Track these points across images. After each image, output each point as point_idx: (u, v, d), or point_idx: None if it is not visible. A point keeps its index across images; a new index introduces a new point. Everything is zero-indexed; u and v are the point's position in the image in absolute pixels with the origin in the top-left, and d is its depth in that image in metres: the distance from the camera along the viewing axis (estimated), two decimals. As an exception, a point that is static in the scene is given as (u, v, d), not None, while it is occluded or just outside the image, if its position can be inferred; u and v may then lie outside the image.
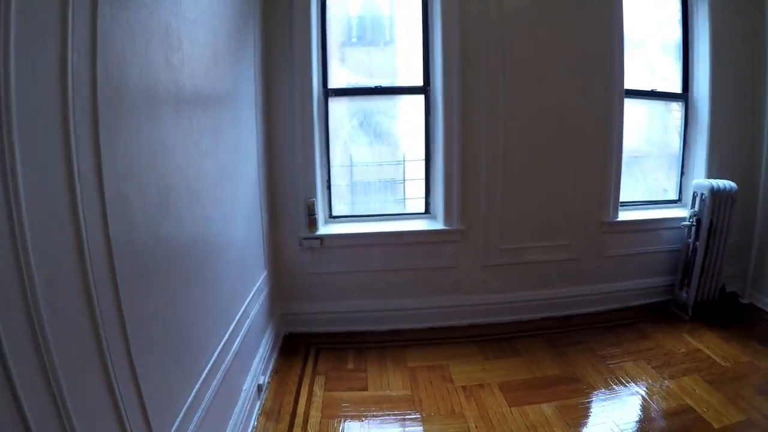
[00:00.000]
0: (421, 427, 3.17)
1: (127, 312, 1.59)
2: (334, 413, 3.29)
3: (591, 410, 3.35)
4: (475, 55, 4.20)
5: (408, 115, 4.58)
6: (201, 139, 2.38)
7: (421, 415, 3.28)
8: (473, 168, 4.34)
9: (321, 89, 4.29)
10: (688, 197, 4.85)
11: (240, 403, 2.91)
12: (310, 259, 4.29)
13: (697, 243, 4.57)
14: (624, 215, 4.76)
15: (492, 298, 4.57)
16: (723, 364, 3.82)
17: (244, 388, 3.04)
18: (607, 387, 3.56)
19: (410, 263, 4.41)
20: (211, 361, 2.41)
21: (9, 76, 1.11)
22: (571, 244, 4.64)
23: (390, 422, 3.22)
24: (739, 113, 4.83)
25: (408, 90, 4.54)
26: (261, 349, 3.54)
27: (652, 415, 3.27)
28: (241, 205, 3.19)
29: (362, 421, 3.23)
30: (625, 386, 3.57)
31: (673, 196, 5.13)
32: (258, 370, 3.36)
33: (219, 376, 2.49)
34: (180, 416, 1.98)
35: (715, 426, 3.10)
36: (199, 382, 2.22)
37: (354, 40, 4.59)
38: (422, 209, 4.65)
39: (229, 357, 2.69)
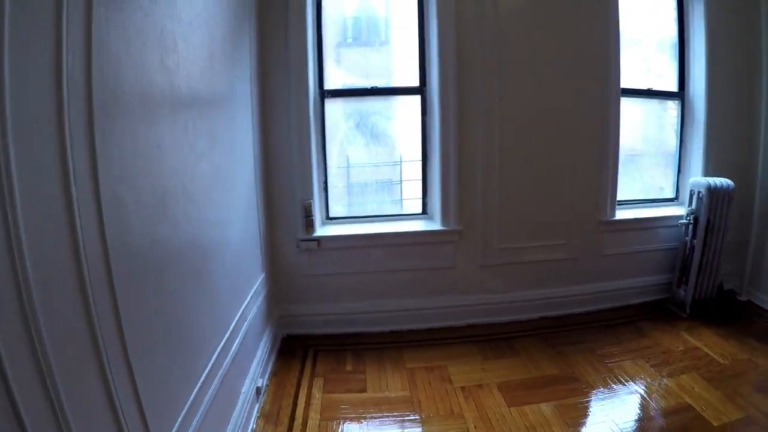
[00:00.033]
0: (420, 428, 3.17)
1: (124, 315, 1.58)
2: (333, 415, 3.29)
3: (590, 409, 3.34)
4: (471, 56, 4.20)
5: (404, 116, 4.58)
6: (197, 141, 2.37)
7: (420, 416, 3.27)
8: (470, 168, 4.33)
9: (317, 90, 4.29)
10: (685, 195, 4.86)
11: (239, 406, 2.90)
12: (308, 261, 4.29)
13: (695, 241, 4.58)
14: (621, 214, 4.76)
15: (490, 298, 4.56)
16: (721, 361, 3.83)
17: (243, 390, 3.03)
18: (606, 386, 3.56)
19: (408, 264, 4.40)
20: (210, 364, 2.40)
21: (3, 78, 1.10)
22: (569, 243, 4.64)
23: (389, 424, 3.21)
24: (735, 111, 4.83)
25: (404, 91, 4.53)
26: (259, 352, 3.53)
27: (651, 413, 3.27)
28: (238, 207, 3.19)
29: (361, 423, 3.22)
30: (624, 385, 3.57)
31: (670, 195, 5.14)
32: (256, 373, 3.35)
33: (217, 379, 2.48)
34: (179, 420, 1.97)
35: (714, 424, 3.10)
36: (198, 385, 2.21)
37: (350, 40, 4.59)
38: (419, 210, 4.64)
39: (227, 360, 2.68)
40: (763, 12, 4.58)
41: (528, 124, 4.38)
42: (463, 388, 3.56)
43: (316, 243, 4.23)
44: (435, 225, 4.45)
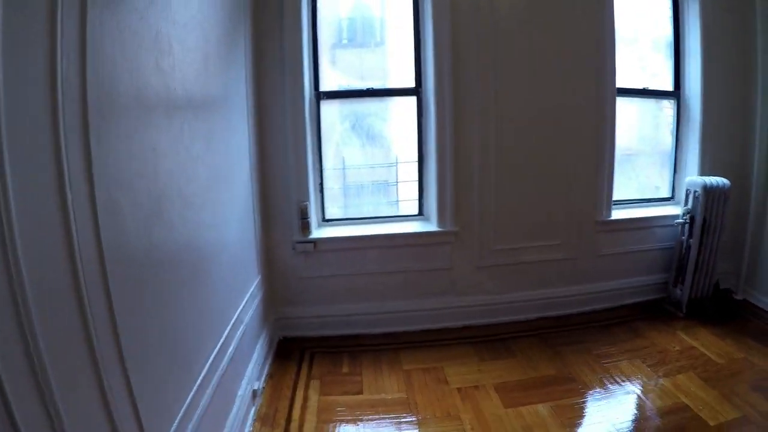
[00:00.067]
0: (417, 430, 3.16)
1: (119, 318, 1.57)
2: (329, 418, 3.28)
3: (587, 410, 3.35)
4: (466, 56, 4.20)
5: (400, 117, 4.57)
6: (192, 143, 2.36)
7: (417, 417, 3.27)
8: (466, 169, 4.33)
9: (312, 92, 4.28)
10: (680, 195, 4.86)
11: (235, 409, 2.89)
12: (304, 263, 4.28)
13: (691, 240, 4.58)
14: (617, 214, 4.77)
15: (486, 299, 4.56)
16: (717, 361, 3.83)
17: (239, 393, 3.03)
18: (603, 386, 3.57)
19: (404, 265, 4.40)
20: (206, 367, 2.40)
21: (-3, 81, 1.10)
22: (565, 243, 4.64)
23: (386, 426, 3.20)
24: (731, 110, 4.84)
25: (400, 92, 4.53)
26: (255, 354, 3.52)
27: (648, 413, 3.27)
28: (234, 209, 3.18)
29: (358, 425, 3.22)
30: (621, 385, 3.58)
31: (666, 194, 5.14)
32: (253, 376, 3.34)
33: (214, 382, 2.48)
34: (174, 424, 1.97)
35: (711, 423, 3.10)
36: (194, 388, 2.21)
37: (345, 41, 4.58)
38: (416, 211, 4.64)
39: (223, 363, 2.67)
40: (758, 11, 4.58)
41: (524, 124, 4.38)
42: (459, 390, 3.56)
43: (312, 245, 4.23)
44: (431, 226, 4.45)
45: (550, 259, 4.64)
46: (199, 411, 2.22)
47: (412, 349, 4.16)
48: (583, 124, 4.48)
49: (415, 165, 4.55)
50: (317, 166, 4.38)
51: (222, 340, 2.70)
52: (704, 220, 4.48)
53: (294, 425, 3.20)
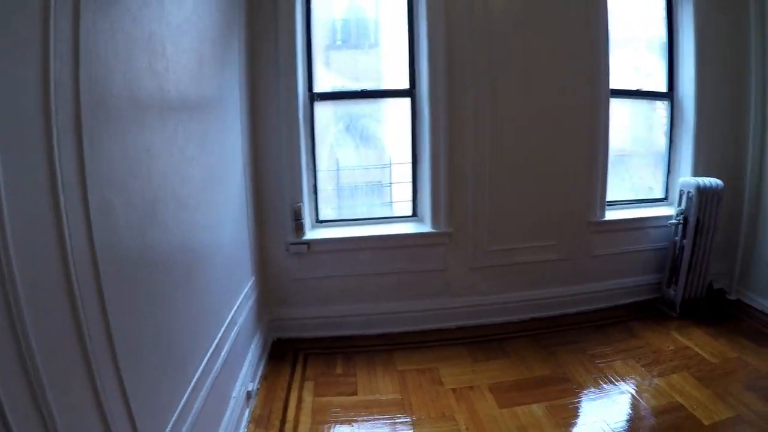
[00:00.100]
0: (412, 431, 3.16)
1: (113, 320, 1.57)
2: (323, 419, 3.28)
3: (581, 410, 3.35)
4: (460, 57, 4.20)
5: (394, 118, 4.57)
6: (186, 145, 2.36)
7: (412, 418, 3.27)
8: (460, 170, 4.34)
9: (306, 93, 4.28)
10: (674, 195, 4.88)
11: (229, 410, 2.88)
12: (298, 264, 4.28)
13: (684, 241, 4.59)
14: (611, 214, 4.78)
15: (481, 299, 4.56)
16: (711, 360, 3.84)
17: (233, 395, 3.02)
18: (597, 386, 3.57)
19: (398, 267, 4.40)
20: (200, 369, 2.39)
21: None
22: (559, 244, 4.65)
23: (380, 427, 3.20)
24: (724, 111, 4.86)
25: (394, 93, 4.53)
26: (249, 356, 3.52)
27: (642, 413, 3.28)
28: (228, 211, 3.17)
29: (352, 426, 3.22)
30: (615, 385, 3.58)
31: (660, 195, 5.16)
32: (247, 377, 3.33)
33: (208, 383, 2.47)
34: (169, 426, 1.96)
35: (705, 423, 3.11)
36: (188, 390, 2.20)
37: (339, 43, 4.58)
38: (410, 212, 4.64)
39: (217, 364, 2.67)
40: (752, 11, 4.60)
41: (518, 125, 4.39)
42: (454, 390, 3.56)
43: (306, 246, 4.22)
44: (425, 227, 4.45)
45: (544, 259, 4.64)
46: (193, 413, 2.21)
47: (406, 350, 4.16)
48: (578, 125, 4.49)
49: (409, 166, 4.54)
50: (311, 167, 4.37)
51: (216, 342, 2.69)
52: (698, 220, 4.49)
53: (288, 426, 3.20)
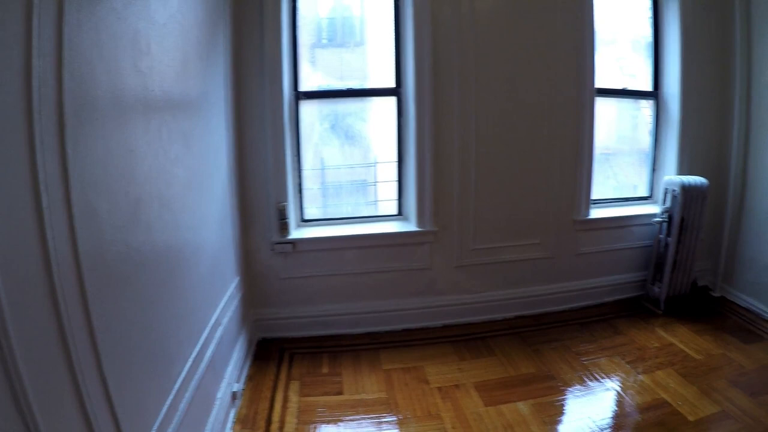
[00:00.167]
0: (398, 430, 3.15)
1: (96, 323, 1.55)
2: (309, 419, 3.26)
3: (567, 407, 3.36)
4: (447, 55, 4.20)
5: (379, 117, 4.56)
6: (171, 145, 2.34)
7: (398, 417, 3.26)
8: (446, 169, 4.33)
9: (292, 92, 4.26)
10: (659, 194, 4.90)
11: (214, 411, 2.87)
12: (283, 264, 4.26)
13: (669, 239, 4.61)
14: (596, 213, 4.80)
15: (466, 298, 4.57)
16: (696, 357, 3.86)
17: (219, 396, 3.00)
18: (582, 383, 3.58)
19: (383, 265, 4.38)
20: (185, 371, 2.37)
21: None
22: (544, 242, 4.66)
23: (366, 426, 3.19)
24: (709, 110, 4.90)
25: (379, 92, 4.52)
26: (234, 356, 3.50)
27: (628, 409, 3.29)
28: (212, 211, 3.15)
29: (338, 425, 3.21)
30: (600, 382, 3.60)
31: (644, 193, 5.18)
32: (232, 378, 3.31)
33: (193, 385, 2.45)
34: (154, 428, 1.94)
35: (690, 419, 3.13)
36: (173, 392, 2.19)
37: (325, 41, 4.56)
38: (395, 211, 4.63)
39: (202, 366, 2.65)
40: (737, 11, 4.63)
41: (504, 124, 4.39)
42: (440, 389, 3.56)
43: (290, 246, 4.20)
44: (410, 226, 4.44)
45: (529, 258, 4.65)
46: (178, 414, 2.20)
47: (392, 348, 4.15)
48: (563, 124, 4.49)
49: (395, 165, 4.53)
50: (296, 166, 4.35)
51: (201, 342, 2.68)
52: (682, 218, 4.51)
53: (274, 427, 3.18)
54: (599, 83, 4.60)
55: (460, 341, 4.24)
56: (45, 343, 1.33)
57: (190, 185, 2.65)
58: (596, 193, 4.86)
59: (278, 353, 4.09)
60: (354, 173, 4.60)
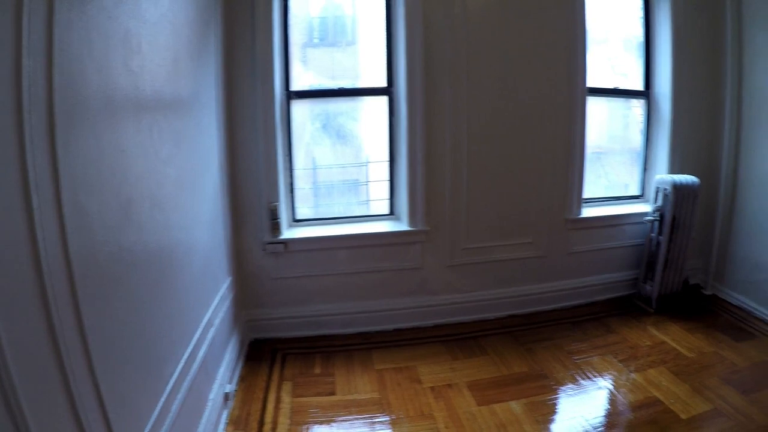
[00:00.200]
0: (391, 430, 3.15)
1: (88, 325, 1.54)
2: (302, 419, 3.25)
3: (560, 406, 3.36)
4: (438, 55, 4.19)
5: (371, 117, 4.55)
6: (162, 145, 2.32)
7: (390, 417, 3.26)
8: (437, 168, 4.33)
9: (283, 91, 4.24)
10: (650, 193, 4.92)
11: (207, 413, 2.85)
12: (275, 264, 4.24)
13: (661, 237, 4.62)
14: (588, 212, 4.81)
15: (458, 297, 4.56)
16: (688, 355, 3.87)
17: (211, 397, 2.99)
18: (575, 382, 3.59)
19: (375, 265, 4.38)
20: (177, 372, 2.36)
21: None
22: (536, 241, 4.66)
23: (359, 426, 3.19)
24: (700, 109, 4.92)
25: (371, 91, 4.50)
26: (227, 357, 3.48)
27: (620, 408, 3.30)
28: (204, 211, 3.13)
29: (331, 425, 3.20)
30: (593, 381, 3.60)
31: (636, 192, 5.19)
32: (224, 379, 3.30)
33: (185, 386, 2.44)
34: (146, 430, 1.93)
35: (683, 417, 3.14)
36: (165, 394, 2.17)
37: (316, 40, 4.55)
38: (387, 211, 4.62)
39: (194, 367, 2.63)
40: (728, 11, 4.65)
41: (496, 123, 4.39)
42: (432, 388, 3.55)
43: (282, 246, 4.19)
44: (402, 226, 4.43)
45: (521, 257, 4.66)
46: (170, 416, 2.18)
47: (384, 348, 4.14)
48: (555, 123, 4.50)
49: (386, 164, 4.53)
50: (288, 166, 4.34)
51: (193, 344, 2.66)
52: (674, 217, 4.52)
53: (267, 428, 3.17)
54: (591, 82, 4.61)
55: (453, 341, 4.23)
56: (35, 345, 1.32)
57: (182, 185, 2.64)
58: (588, 192, 4.87)
59: (270, 354, 4.08)
60: (345, 173, 4.59)
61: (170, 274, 2.40)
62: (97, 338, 1.58)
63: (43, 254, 1.34)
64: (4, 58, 1.23)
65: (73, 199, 1.50)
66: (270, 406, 3.39)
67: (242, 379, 3.71)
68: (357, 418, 3.25)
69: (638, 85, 5.05)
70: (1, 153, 1.21)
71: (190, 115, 2.85)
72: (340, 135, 4.55)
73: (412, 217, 4.35)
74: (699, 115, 4.92)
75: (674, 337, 4.16)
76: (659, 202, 4.64)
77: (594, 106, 4.79)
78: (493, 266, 4.60)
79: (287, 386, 3.62)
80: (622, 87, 5.02)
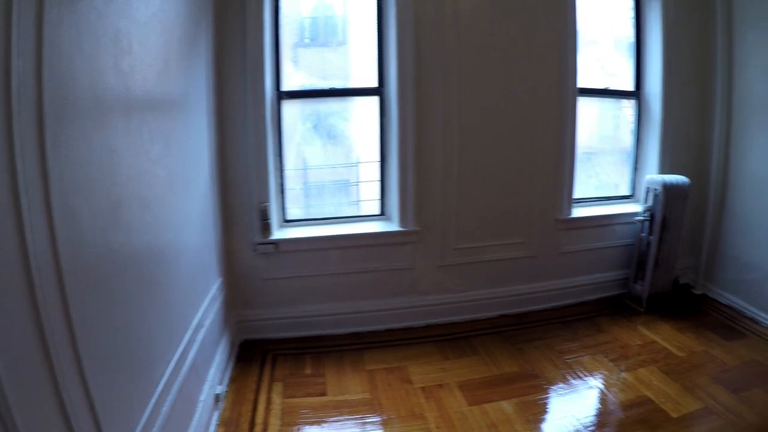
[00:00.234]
0: (382, 431, 3.14)
1: (78, 327, 1.52)
2: (293, 420, 3.24)
3: (551, 405, 3.37)
4: (429, 55, 4.19)
5: (362, 117, 4.55)
6: (152, 146, 2.31)
7: (382, 418, 3.25)
8: (428, 168, 4.33)
9: (274, 91, 4.23)
10: (640, 193, 4.93)
11: (197, 414, 2.84)
12: (265, 265, 4.23)
13: (651, 237, 4.64)
14: (578, 212, 4.82)
15: (449, 297, 4.56)
16: (678, 354, 3.89)
17: (201, 399, 2.97)
18: (566, 382, 3.59)
19: (366, 265, 4.37)
20: (167, 374, 2.35)
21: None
22: (527, 241, 4.67)
23: (350, 427, 3.18)
24: (691, 110, 4.94)
25: (362, 91, 4.50)
26: (217, 358, 3.46)
27: (611, 407, 3.31)
28: (194, 212, 3.12)
29: (322, 426, 3.19)
30: (583, 380, 3.61)
31: (626, 192, 5.21)
32: (215, 380, 3.28)
33: (176, 387, 2.42)
34: (137, 432, 1.93)
35: (673, 415, 3.15)
36: (156, 395, 2.16)
37: (307, 41, 4.54)
38: (377, 211, 4.61)
39: (184, 368, 2.62)
40: (719, 12, 4.67)
41: (487, 124, 4.39)
42: (423, 389, 3.55)
43: (273, 246, 4.18)
44: (393, 226, 4.43)
45: (512, 257, 4.66)
46: (160, 418, 2.17)
47: (375, 348, 4.14)
48: (545, 124, 4.51)
49: (377, 165, 4.52)
50: (278, 166, 4.32)
51: (183, 345, 2.65)
52: (664, 217, 4.54)
53: (258, 429, 3.16)
54: (582, 83, 4.61)
55: (444, 341, 4.23)
56: (24, 346, 1.31)
57: (172, 186, 2.63)
58: (578, 192, 4.88)
59: (261, 355, 4.06)
60: (336, 173, 4.58)
61: (160, 275, 2.39)
62: (86, 340, 1.57)
63: (32, 256, 1.32)
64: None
65: (63, 200, 1.49)
66: (261, 408, 3.38)
67: (233, 380, 3.70)
68: (348, 419, 3.25)
69: (629, 86, 5.07)
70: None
71: (180, 115, 2.84)
72: (330, 135, 4.54)
73: (403, 218, 4.35)
74: (689, 115, 4.94)
75: (665, 337, 4.17)
76: (649, 202, 4.66)
77: (585, 107, 4.80)
78: (484, 266, 4.60)
79: (278, 387, 3.61)
80: (612, 87, 5.03)
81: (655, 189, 4.58)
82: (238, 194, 4.09)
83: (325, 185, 4.57)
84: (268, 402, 3.43)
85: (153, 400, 2.12)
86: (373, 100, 4.45)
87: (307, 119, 4.48)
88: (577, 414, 3.21)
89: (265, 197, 4.10)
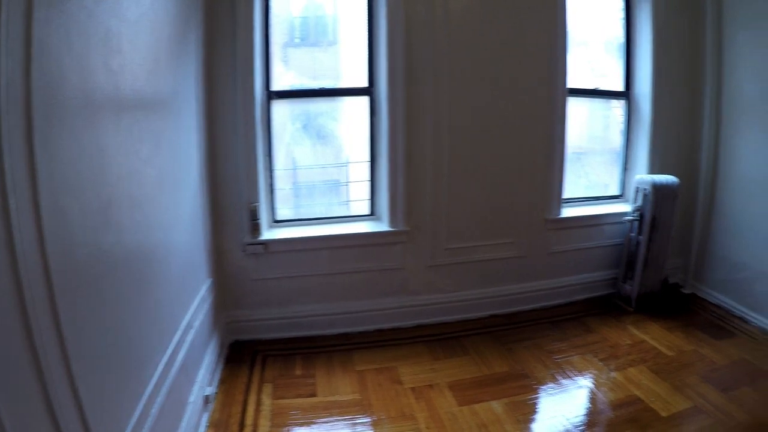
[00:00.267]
0: (372, 431, 3.14)
1: (66, 329, 1.51)
2: (283, 421, 3.23)
3: (540, 405, 3.37)
4: (420, 55, 4.19)
5: (352, 117, 4.54)
6: (142, 145, 2.30)
7: (372, 418, 3.25)
8: (418, 168, 4.33)
9: (264, 91, 4.21)
10: (630, 193, 4.95)
11: (187, 416, 2.82)
12: (255, 265, 4.21)
13: (640, 237, 4.66)
14: (568, 212, 4.83)
15: (439, 297, 4.56)
16: (668, 353, 3.90)
17: (191, 400, 2.95)
18: (555, 381, 3.60)
19: (356, 266, 4.36)
20: (157, 375, 2.33)
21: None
22: (516, 241, 4.67)
23: (340, 428, 3.17)
24: (680, 110, 4.96)
25: (352, 91, 4.49)
26: (206, 359, 3.45)
27: (601, 406, 3.32)
28: (184, 212, 3.10)
29: (312, 427, 3.18)
30: (573, 380, 3.62)
31: (615, 192, 5.22)
32: (204, 381, 3.27)
33: (164, 390, 2.41)
34: (126, 434, 1.91)
35: (663, 414, 3.16)
36: (145, 397, 2.15)
37: (297, 40, 4.53)
38: (367, 211, 4.60)
39: (174, 370, 2.60)
40: (709, 13, 4.70)
41: (477, 124, 4.40)
42: (413, 389, 3.54)
43: (262, 247, 4.16)
44: (383, 226, 4.42)
45: (502, 257, 4.66)
46: (150, 420, 2.15)
47: (365, 349, 4.13)
48: (535, 123, 4.52)
49: (367, 165, 4.51)
50: (268, 166, 4.31)
51: (173, 346, 2.63)
52: (653, 217, 4.56)
53: (247, 430, 3.14)
54: (572, 83, 4.62)
55: (434, 341, 4.23)
56: (12, 347, 1.29)
57: (162, 185, 2.61)
58: (568, 192, 4.89)
59: (251, 356, 4.04)
60: (326, 173, 4.57)
61: (150, 275, 2.38)
62: (75, 340, 1.56)
63: (20, 255, 1.31)
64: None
65: (53, 200, 1.48)
66: (250, 409, 3.36)
67: (222, 381, 3.68)
68: (338, 420, 3.24)
69: (619, 86, 5.08)
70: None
71: (170, 115, 2.83)
72: (320, 135, 4.53)
73: (393, 218, 4.34)
74: (679, 116, 4.96)
75: (654, 336, 4.19)
76: (639, 202, 4.67)
77: (575, 107, 4.81)
78: (474, 266, 4.61)
79: (268, 388, 3.60)
80: (602, 88, 5.04)
81: (645, 189, 4.60)
82: (228, 194, 4.07)
83: (315, 185, 4.55)
84: (258, 403, 3.42)
85: (143, 402, 2.11)
86: (364, 100, 4.44)
87: (297, 119, 4.47)
88: (566, 414, 3.22)
89: (254, 197, 4.09)
